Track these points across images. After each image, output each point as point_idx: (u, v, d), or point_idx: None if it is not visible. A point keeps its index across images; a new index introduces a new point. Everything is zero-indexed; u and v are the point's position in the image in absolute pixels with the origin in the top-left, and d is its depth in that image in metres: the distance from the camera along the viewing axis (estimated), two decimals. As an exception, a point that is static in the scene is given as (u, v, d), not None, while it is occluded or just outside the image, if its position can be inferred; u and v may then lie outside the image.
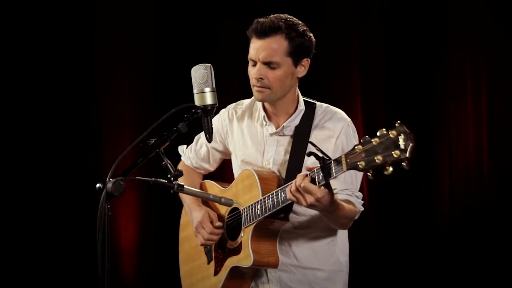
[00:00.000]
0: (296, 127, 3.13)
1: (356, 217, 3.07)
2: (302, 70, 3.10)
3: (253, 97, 3.26)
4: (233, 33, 5.14)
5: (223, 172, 3.57)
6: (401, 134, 2.44)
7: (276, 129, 3.16)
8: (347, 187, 3.04)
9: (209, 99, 2.77)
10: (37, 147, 5.14)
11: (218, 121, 3.34)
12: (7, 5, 5.07)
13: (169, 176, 2.73)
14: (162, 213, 5.24)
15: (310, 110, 3.14)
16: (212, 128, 2.80)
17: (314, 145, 2.75)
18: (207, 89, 2.77)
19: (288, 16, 3.09)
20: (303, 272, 3.14)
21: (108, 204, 2.59)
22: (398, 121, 2.47)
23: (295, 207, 3.05)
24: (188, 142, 3.49)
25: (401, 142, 2.43)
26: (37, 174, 5.13)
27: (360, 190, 3.11)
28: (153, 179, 2.73)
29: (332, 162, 2.67)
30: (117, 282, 5.18)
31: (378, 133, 2.50)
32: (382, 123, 5.12)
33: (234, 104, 3.35)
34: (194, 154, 3.45)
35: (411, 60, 5.11)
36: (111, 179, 2.61)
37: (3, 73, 5.09)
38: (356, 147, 2.56)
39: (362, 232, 5.00)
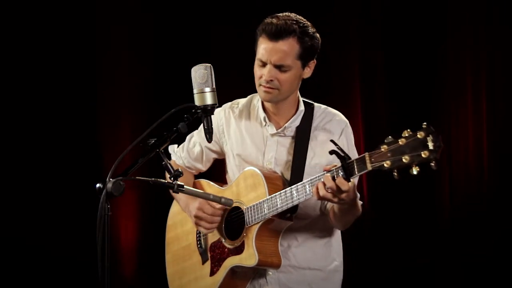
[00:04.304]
0: (297, 127, 3.13)
1: None
2: (308, 71, 3.10)
3: (249, 97, 3.27)
4: (233, 33, 5.15)
5: (213, 171, 3.53)
6: (430, 135, 2.49)
7: (277, 129, 3.15)
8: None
9: (209, 99, 2.77)
10: (37, 147, 5.14)
11: (213, 121, 3.32)
12: (7, 5, 5.07)
13: (169, 176, 2.73)
14: (162, 213, 5.22)
15: (309, 110, 3.15)
16: (212, 128, 2.80)
17: (336, 144, 2.75)
18: (207, 89, 2.77)
19: (298, 16, 3.06)
20: (302, 273, 3.14)
21: (108, 204, 2.59)
22: (425, 123, 2.52)
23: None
24: (180, 142, 3.46)
25: (430, 143, 2.48)
26: (37, 174, 5.13)
27: (360, 190, 3.11)
28: (153, 179, 2.73)
29: (355, 161, 2.69)
30: (117, 282, 5.18)
31: (403, 134, 2.55)
32: (382, 122, 5.16)
33: (229, 103, 3.32)
34: (187, 154, 3.40)
35: (411, 60, 5.11)
36: (111, 179, 2.60)
37: (3, 74, 5.09)
38: (381, 147, 2.59)
39: (362, 231, 5.01)
